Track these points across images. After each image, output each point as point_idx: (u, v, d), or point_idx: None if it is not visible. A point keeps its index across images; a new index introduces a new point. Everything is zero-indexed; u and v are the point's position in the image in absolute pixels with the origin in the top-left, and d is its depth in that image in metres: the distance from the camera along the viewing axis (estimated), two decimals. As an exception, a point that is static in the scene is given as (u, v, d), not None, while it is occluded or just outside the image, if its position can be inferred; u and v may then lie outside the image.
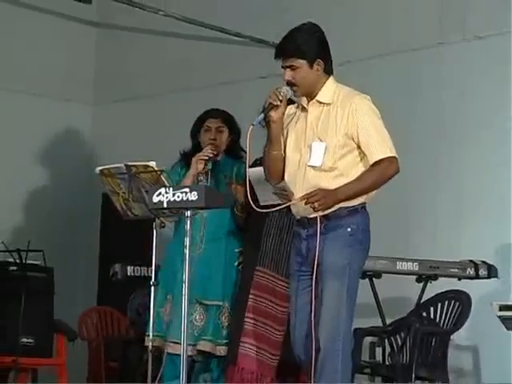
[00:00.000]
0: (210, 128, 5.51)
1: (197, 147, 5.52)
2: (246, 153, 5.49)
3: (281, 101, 4.57)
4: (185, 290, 4.32)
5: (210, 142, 5.46)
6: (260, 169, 5.04)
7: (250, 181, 4.67)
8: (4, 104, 9.16)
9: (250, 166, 5.02)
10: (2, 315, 6.00)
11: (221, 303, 5.30)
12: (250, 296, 5.07)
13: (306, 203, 4.46)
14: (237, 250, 5.42)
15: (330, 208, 4.50)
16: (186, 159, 5.51)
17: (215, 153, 5.44)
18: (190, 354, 5.12)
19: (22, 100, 9.29)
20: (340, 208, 4.53)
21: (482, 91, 7.80)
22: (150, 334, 4.98)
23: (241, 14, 8.80)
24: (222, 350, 5.26)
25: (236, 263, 5.34)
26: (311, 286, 4.50)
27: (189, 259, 4.33)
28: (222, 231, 5.41)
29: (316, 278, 4.48)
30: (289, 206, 4.63)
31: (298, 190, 4.58)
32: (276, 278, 5.10)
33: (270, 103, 4.58)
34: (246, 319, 5.06)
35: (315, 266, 4.45)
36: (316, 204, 4.44)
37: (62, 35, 9.76)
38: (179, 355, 4.99)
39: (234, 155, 5.61)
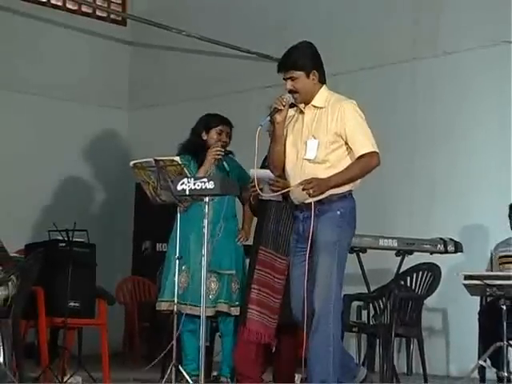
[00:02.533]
0: (222, 132, 5.52)
1: (201, 144, 5.52)
2: (231, 152, 5.54)
3: (284, 105, 4.58)
4: (204, 262, 4.33)
5: (222, 144, 5.48)
6: (264, 171, 5.06)
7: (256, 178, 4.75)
8: (55, 110, 9.20)
9: (261, 165, 5.07)
10: (53, 284, 6.00)
11: (233, 272, 5.30)
12: (255, 270, 5.08)
13: (302, 189, 4.45)
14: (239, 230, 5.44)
15: (322, 193, 4.49)
16: (192, 153, 5.50)
17: (223, 152, 5.49)
18: (209, 314, 5.15)
19: (69, 107, 9.32)
20: (331, 194, 4.52)
21: (449, 100, 7.81)
22: (175, 300, 4.98)
23: (249, 34, 8.81)
24: (235, 311, 5.26)
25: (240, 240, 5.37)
26: (306, 260, 4.51)
27: (207, 237, 4.33)
28: (231, 214, 5.41)
29: (310, 252, 4.49)
30: (287, 194, 4.63)
31: (296, 179, 4.56)
32: (275, 256, 5.09)
33: (275, 108, 4.58)
34: (252, 289, 5.07)
35: (309, 243, 4.47)
36: (311, 190, 4.44)
37: (102, 53, 9.78)
38: (196, 315, 5.04)
39: (227, 152, 5.64)
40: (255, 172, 4.77)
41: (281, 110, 4.58)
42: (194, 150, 5.48)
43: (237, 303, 5.28)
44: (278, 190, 4.68)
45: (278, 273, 5.08)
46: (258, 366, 5.15)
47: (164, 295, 5.31)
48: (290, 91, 4.61)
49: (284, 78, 4.63)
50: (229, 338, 5.35)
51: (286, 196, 4.72)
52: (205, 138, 5.51)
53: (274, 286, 5.07)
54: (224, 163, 5.54)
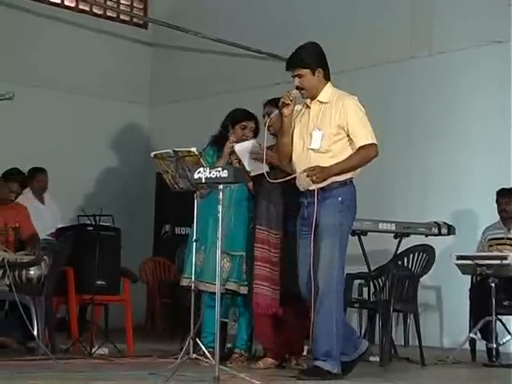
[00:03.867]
0: (246, 127, 5.45)
1: (227, 137, 5.48)
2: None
3: (291, 100, 4.58)
4: (219, 244, 4.32)
5: (244, 139, 5.42)
6: (244, 143, 5.05)
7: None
8: (83, 106, 9.24)
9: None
10: (82, 264, 6.01)
11: (244, 253, 5.30)
12: (255, 248, 5.09)
13: (306, 176, 4.46)
14: (250, 215, 5.42)
15: (324, 180, 4.49)
16: (217, 144, 5.48)
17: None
18: (221, 292, 5.15)
19: (96, 103, 9.35)
20: (333, 182, 4.52)
21: (443, 97, 7.79)
22: (192, 277, 4.99)
23: (259, 36, 8.81)
24: (244, 290, 5.26)
25: (251, 225, 5.35)
26: (311, 242, 4.50)
27: (221, 221, 4.32)
28: (243, 200, 5.38)
29: (314, 235, 4.50)
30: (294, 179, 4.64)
31: (302, 167, 4.56)
32: (269, 232, 5.09)
33: (283, 102, 4.58)
34: (254, 266, 5.08)
35: (313, 227, 4.47)
36: (314, 177, 4.45)
37: (125, 53, 9.81)
38: (211, 292, 5.06)
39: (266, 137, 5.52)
40: (236, 147, 4.75)
41: (288, 104, 4.58)
42: (220, 142, 5.45)
43: (246, 283, 5.28)
44: (262, 160, 4.66)
45: (273, 247, 5.08)
46: (276, 338, 5.14)
47: (185, 273, 5.32)
48: (297, 87, 4.60)
49: (292, 76, 4.62)
50: (243, 314, 5.36)
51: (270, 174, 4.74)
52: (231, 132, 5.48)
53: (272, 259, 5.07)
54: None
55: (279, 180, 4.71)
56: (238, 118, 5.47)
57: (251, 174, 5.06)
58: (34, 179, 7.34)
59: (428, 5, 7.95)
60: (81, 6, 9.63)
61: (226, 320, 5.55)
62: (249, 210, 5.33)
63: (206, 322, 5.21)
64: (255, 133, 5.45)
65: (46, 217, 7.03)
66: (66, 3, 9.54)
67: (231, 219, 5.28)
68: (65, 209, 7.68)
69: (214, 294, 4.58)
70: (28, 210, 6.19)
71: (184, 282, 5.33)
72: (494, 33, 7.45)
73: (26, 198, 6.85)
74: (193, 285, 4.88)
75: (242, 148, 5.11)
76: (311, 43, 4.69)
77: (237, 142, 5.28)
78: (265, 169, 4.73)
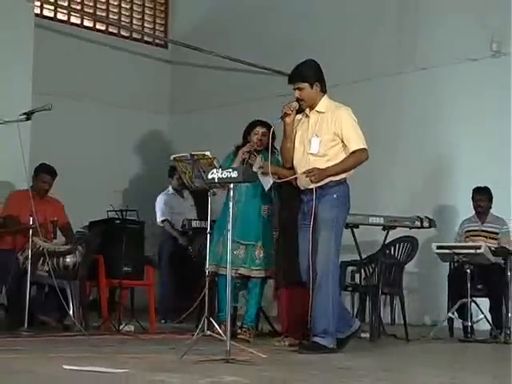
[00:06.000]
0: (258, 132, 5.43)
1: (245, 143, 5.49)
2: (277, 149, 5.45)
3: (292, 110, 4.59)
4: (229, 236, 4.30)
5: (257, 143, 5.38)
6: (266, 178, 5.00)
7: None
8: (113, 116, 9.24)
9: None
10: (111, 253, 6.00)
11: (254, 243, 5.28)
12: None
13: (306, 177, 4.47)
14: (264, 207, 5.40)
15: (322, 180, 4.50)
16: (237, 151, 5.50)
17: (250, 150, 5.40)
18: (233, 275, 5.17)
19: (123, 113, 9.34)
20: (329, 181, 4.52)
21: (426, 107, 7.78)
22: (207, 264, 4.98)
23: (266, 54, 8.78)
24: (256, 273, 5.25)
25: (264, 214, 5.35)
26: (310, 233, 4.49)
27: (232, 215, 4.28)
28: (256, 195, 5.37)
29: (313, 228, 4.49)
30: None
31: (302, 170, 4.56)
32: None
33: (285, 112, 4.59)
34: None
35: (311, 220, 4.47)
36: (313, 178, 4.46)
37: (148, 70, 9.79)
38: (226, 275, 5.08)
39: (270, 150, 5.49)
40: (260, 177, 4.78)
41: (289, 114, 4.59)
42: (239, 148, 5.49)
43: (259, 267, 5.25)
44: (267, 171, 4.65)
45: None
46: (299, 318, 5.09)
47: (209, 260, 5.33)
48: (298, 99, 4.60)
49: (293, 89, 4.62)
50: (252, 294, 5.35)
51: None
52: (249, 139, 5.48)
53: None
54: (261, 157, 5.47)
55: (283, 179, 4.71)
56: (251, 126, 5.47)
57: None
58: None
59: (412, 27, 7.94)
60: (110, 29, 9.66)
61: (236, 305, 5.55)
62: (261, 203, 5.33)
63: (222, 302, 5.21)
64: (272, 137, 5.35)
65: None
66: (98, 27, 9.56)
67: (247, 212, 5.27)
68: (97, 205, 7.69)
69: (232, 277, 4.59)
70: (62, 203, 6.17)
71: (209, 269, 5.34)
72: (471, 51, 7.45)
73: None
74: (207, 271, 4.88)
75: (264, 180, 5.03)
76: (310, 60, 4.69)
77: (250, 150, 5.30)
78: (271, 180, 4.74)
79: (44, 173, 6.01)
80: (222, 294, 5.18)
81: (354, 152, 4.53)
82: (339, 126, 4.54)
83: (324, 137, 4.56)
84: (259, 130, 5.42)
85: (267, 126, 5.35)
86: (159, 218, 7.48)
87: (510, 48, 7.22)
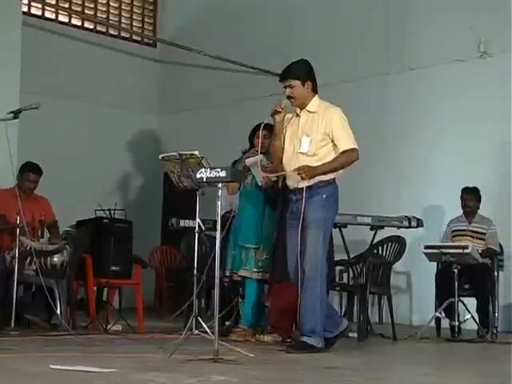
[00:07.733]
0: (258, 135, 5.41)
1: (251, 147, 5.49)
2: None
3: (282, 108, 4.58)
4: (218, 236, 4.25)
5: (262, 145, 5.35)
6: (252, 158, 5.01)
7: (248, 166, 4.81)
8: (101, 115, 9.20)
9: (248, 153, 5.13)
10: (99, 252, 5.97)
11: (256, 246, 5.25)
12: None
13: (297, 174, 4.45)
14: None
15: (312, 178, 4.49)
16: (243, 155, 5.49)
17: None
18: (235, 279, 5.24)
19: (113, 112, 9.32)
20: (318, 181, 4.52)
21: (412, 107, 7.82)
22: (194, 265, 4.93)
23: (253, 54, 8.78)
24: (257, 275, 5.22)
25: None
26: (299, 233, 4.49)
27: (220, 218, 4.22)
28: (258, 202, 5.33)
29: (302, 228, 4.48)
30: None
31: (292, 168, 4.55)
32: None
33: (275, 110, 4.59)
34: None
35: (300, 220, 4.46)
36: (303, 175, 4.45)
37: (137, 69, 9.78)
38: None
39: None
40: (246, 161, 4.75)
41: (279, 112, 4.58)
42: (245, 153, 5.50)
43: (262, 270, 5.24)
44: (271, 173, 4.66)
45: None
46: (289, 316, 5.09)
47: (228, 265, 5.31)
48: (288, 97, 4.59)
49: (284, 86, 4.61)
50: (249, 295, 5.33)
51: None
52: (254, 141, 5.48)
53: None
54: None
55: (275, 174, 4.69)
56: (254, 129, 5.47)
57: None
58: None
59: (400, 28, 7.97)
60: (98, 28, 9.61)
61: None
62: (262, 211, 5.29)
63: (247, 307, 5.25)
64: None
65: None
66: (86, 25, 9.52)
67: (249, 217, 5.26)
68: (84, 203, 7.65)
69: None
70: (49, 201, 6.13)
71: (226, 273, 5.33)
72: (459, 52, 7.48)
73: None
74: (195, 271, 4.84)
75: (251, 162, 5.03)
76: (302, 60, 4.69)
77: (249, 157, 5.29)
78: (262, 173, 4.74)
79: (29, 171, 5.96)
80: (249, 299, 5.18)
81: (343, 152, 4.53)
82: (330, 125, 4.54)
83: (314, 136, 4.55)
84: (260, 133, 5.41)
85: (269, 127, 5.35)
86: None
87: (497, 49, 7.26)
